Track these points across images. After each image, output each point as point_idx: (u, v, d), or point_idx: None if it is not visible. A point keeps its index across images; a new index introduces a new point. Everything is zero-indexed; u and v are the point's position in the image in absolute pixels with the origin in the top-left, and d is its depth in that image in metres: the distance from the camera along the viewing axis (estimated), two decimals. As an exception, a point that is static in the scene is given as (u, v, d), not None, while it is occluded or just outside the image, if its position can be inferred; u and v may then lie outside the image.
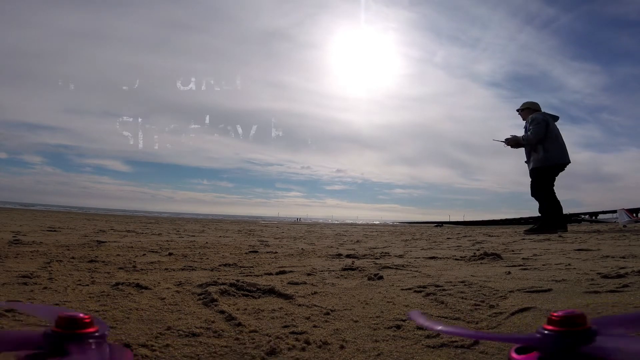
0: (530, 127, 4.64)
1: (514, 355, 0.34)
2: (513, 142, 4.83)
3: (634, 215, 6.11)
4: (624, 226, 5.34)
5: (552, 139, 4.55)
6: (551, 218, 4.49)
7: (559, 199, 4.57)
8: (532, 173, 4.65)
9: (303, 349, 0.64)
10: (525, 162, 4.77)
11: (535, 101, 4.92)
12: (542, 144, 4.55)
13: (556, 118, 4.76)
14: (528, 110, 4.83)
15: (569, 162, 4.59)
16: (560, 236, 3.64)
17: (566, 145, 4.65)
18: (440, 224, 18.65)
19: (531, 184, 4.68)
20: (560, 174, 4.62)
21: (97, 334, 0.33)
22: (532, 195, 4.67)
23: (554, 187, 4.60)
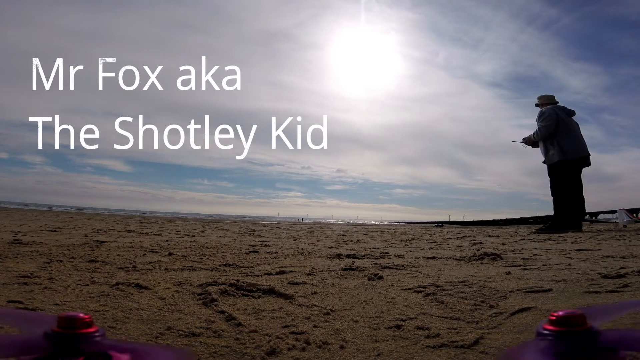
0: (540, 122, 4.53)
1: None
2: (530, 140, 4.73)
3: (634, 215, 6.11)
4: (624, 226, 5.34)
5: (566, 132, 4.40)
6: (565, 217, 4.33)
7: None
8: (549, 171, 4.52)
9: (303, 349, 0.64)
10: (544, 162, 4.63)
11: (551, 94, 4.78)
12: (555, 139, 4.41)
13: (571, 112, 4.59)
14: (545, 105, 4.68)
15: (588, 154, 4.39)
16: (560, 236, 3.64)
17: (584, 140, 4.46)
18: (440, 224, 18.65)
19: (550, 182, 4.50)
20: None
21: (97, 334, 0.33)
22: (552, 194, 4.49)
23: (581, 182, 4.37)
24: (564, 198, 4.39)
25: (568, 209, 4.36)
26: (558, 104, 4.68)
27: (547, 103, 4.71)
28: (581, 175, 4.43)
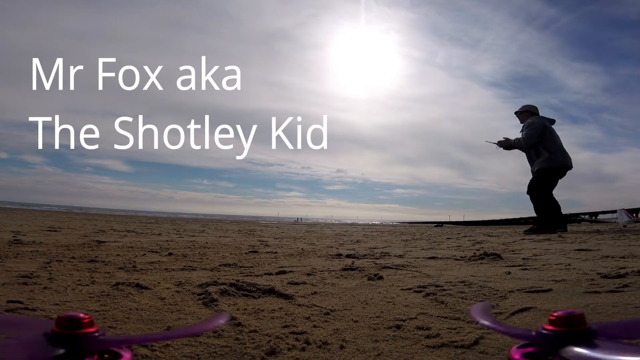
0: (525, 131, 4.67)
1: (514, 354, 0.34)
2: (505, 144, 4.87)
3: (634, 215, 6.10)
4: (624, 226, 5.34)
5: (555, 142, 4.59)
6: (550, 218, 4.50)
7: (559, 199, 4.59)
8: (537, 173, 4.65)
9: (303, 349, 0.64)
10: (532, 168, 4.76)
11: (534, 104, 4.96)
12: (545, 147, 4.58)
13: (553, 121, 4.78)
14: (527, 114, 4.86)
15: (572, 167, 4.61)
16: (560, 236, 3.64)
17: (566, 148, 4.68)
18: (440, 224, 18.65)
19: (530, 183, 4.68)
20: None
21: (97, 334, 0.33)
22: (528, 193, 4.69)
23: (553, 190, 4.61)
24: (548, 201, 4.56)
25: (554, 211, 4.54)
26: (539, 115, 4.86)
27: (531, 112, 4.87)
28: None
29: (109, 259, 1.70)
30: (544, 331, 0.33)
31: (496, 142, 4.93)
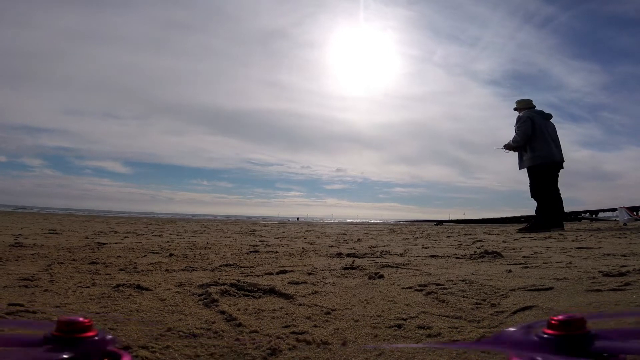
0: (517, 128, 4.64)
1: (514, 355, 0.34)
2: (511, 146, 4.84)
3: (635, 213, 6.09)
4: (625, 224, 5.33)
5: (539, 137, 4.50)
6: (545, 217, 4.44)
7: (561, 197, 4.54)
8: (528, 173, 4.64)
9: (304, 349, 0.64)
10: (520, 168, 4.74)
11: (529, 98, 4.91)
12: (529, 143, 4.52)
13: (548, 116, 4.70)
14: (519, 110, 4.84)
15: (561, 160, 4.52)
16: (560, 234, 3.64)
17: (562, 144, 4.60)
18: (440, 222, 18.66)
19: (529, 185, 4.65)
20: (561, 171, 4.60)
21: (96, 338, 0.33)
22: (532, 196, 4.62)
23: (558, 185, 4.53)
24: (542, 199, 4.52)
25: (547, 209, 4.48)
26: (535, 108, 4.79)
27: (524, 108, 4.81)
28: (558, 176, 4.56)
29: (109, 260, 1.70)
30: (544, 335, 0.32)
31: (503, 146, 4.90)
